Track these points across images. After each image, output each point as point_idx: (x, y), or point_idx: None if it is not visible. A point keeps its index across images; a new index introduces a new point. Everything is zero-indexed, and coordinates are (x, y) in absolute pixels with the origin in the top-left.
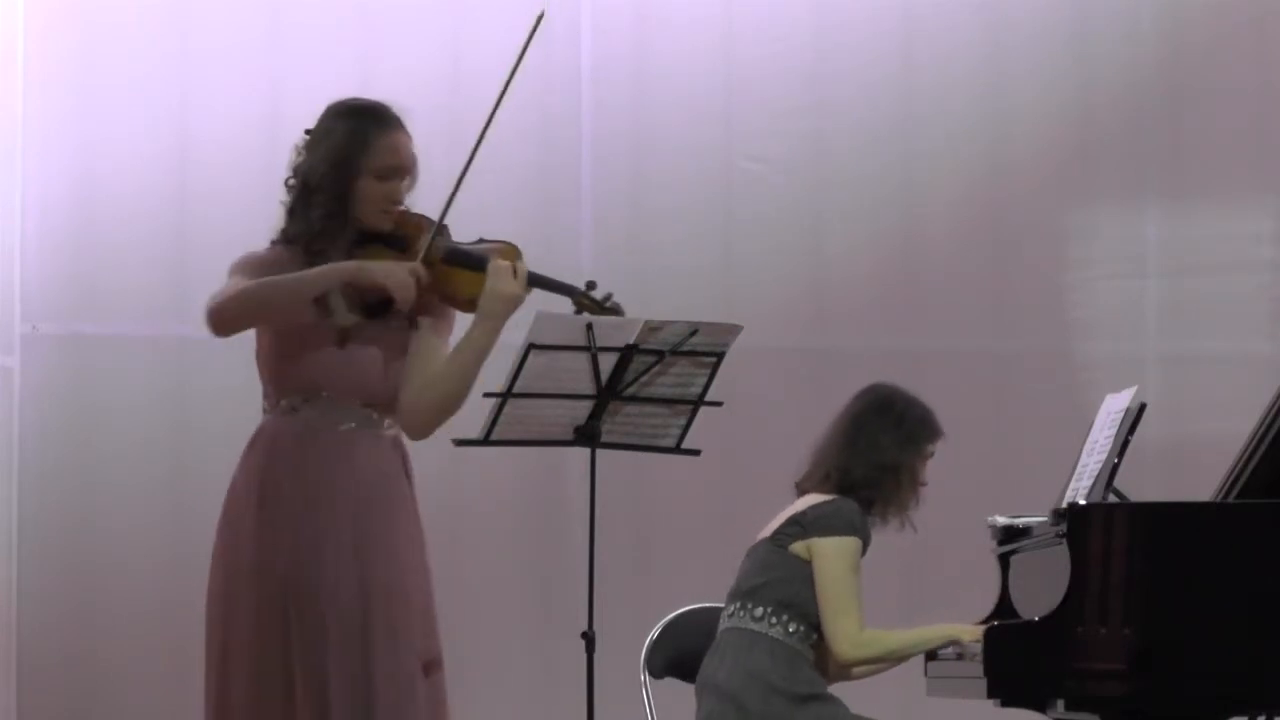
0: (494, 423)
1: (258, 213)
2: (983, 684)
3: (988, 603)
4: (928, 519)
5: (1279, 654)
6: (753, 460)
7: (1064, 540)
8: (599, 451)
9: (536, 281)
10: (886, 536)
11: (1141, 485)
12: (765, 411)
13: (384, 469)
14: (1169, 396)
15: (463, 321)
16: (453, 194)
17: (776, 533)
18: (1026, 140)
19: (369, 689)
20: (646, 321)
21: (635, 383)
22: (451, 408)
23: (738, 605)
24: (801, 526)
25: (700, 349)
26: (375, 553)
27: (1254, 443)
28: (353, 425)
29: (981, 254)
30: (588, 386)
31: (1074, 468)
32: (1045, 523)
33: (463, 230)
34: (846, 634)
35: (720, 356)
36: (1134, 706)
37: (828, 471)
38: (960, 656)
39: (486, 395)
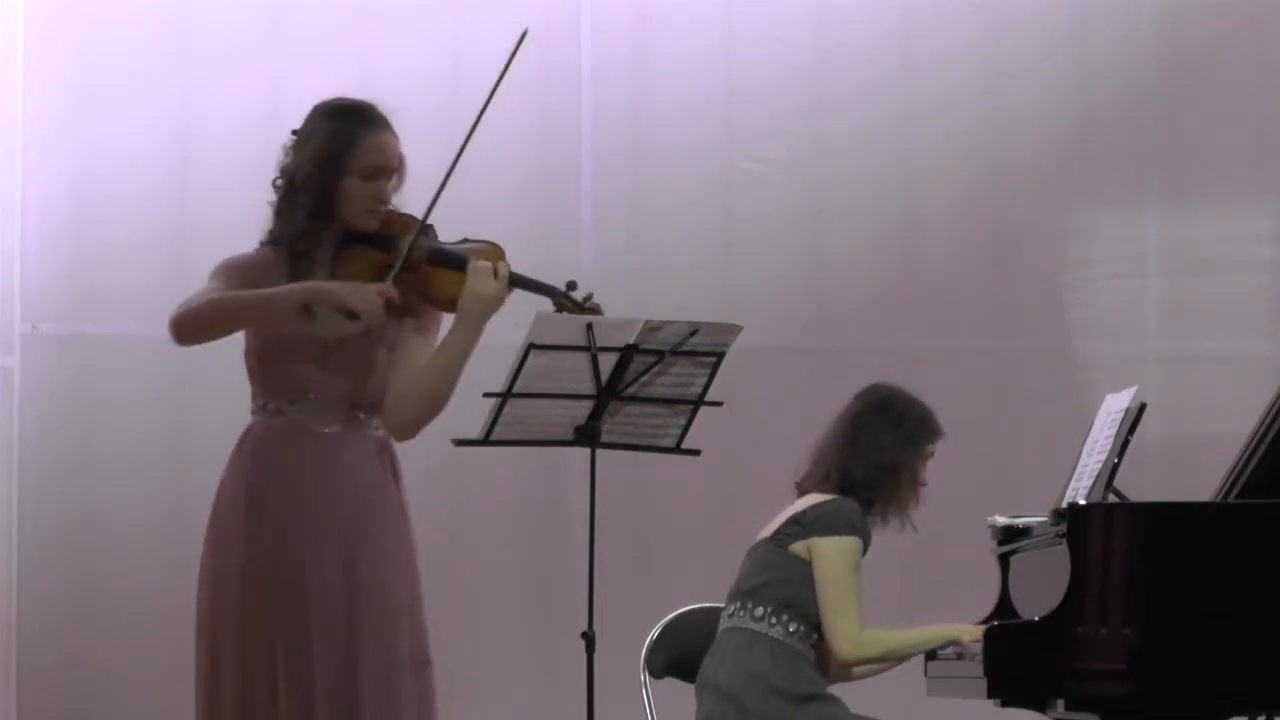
0: (494, 423)
1: (258, 213)
2: (983, 684)
3: (988, 603)
4: (928, 519)
5: (1279, 654)
6: (753, 460)
7: (1064, 540)
8: (599, 451)
9: (517, 282)
10: (886, 536)
11: (1141, 485)
12: (765, 411)
13: (370, 470)
14: (1169, 396)
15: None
16: (437, 194)
17: (777, 533)
18: (1026, 140)
19: (354, 689)
20: (646, 321)
21: (635, 383)
22: (433, 408)
23: (738, 605)
24: (802, 526)
25: (700, 349)
26: (362, 553)
27: (1254, 443)
28: (339, 427)
29: (981, 254)
30: (588, 386)
31: (1074, 468)
32: (1045, 523)
33: (460, 229)
34: (847, 634)
35: (720, 356)
36: (1134, 706)
37: (828, 471)
38: (960, 656)
39: (486, 395)
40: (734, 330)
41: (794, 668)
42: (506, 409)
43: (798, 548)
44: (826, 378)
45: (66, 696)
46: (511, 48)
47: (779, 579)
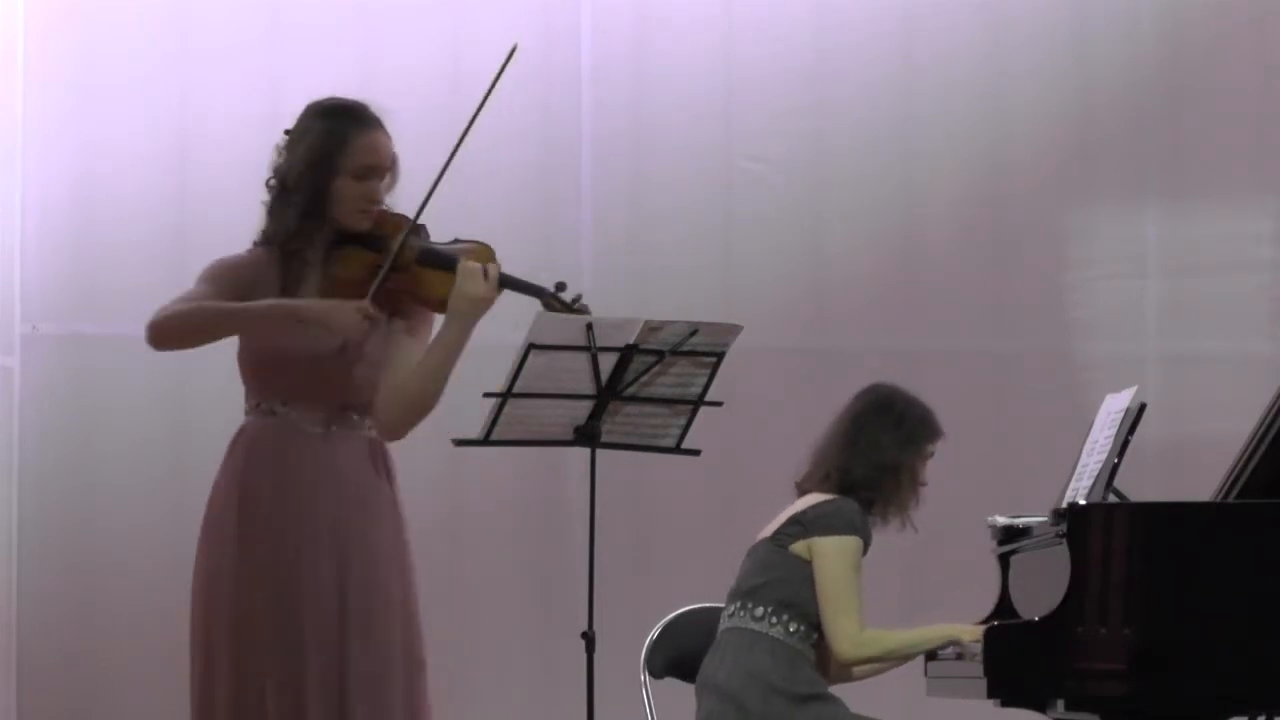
0: (494, 423)
1: (258, 213)
2: (983, 684)
3: (988, 603)
4: (928, 519)
5: (1279, 654)
6: (753, 460)
7: (1064, 540)
8: (599, 451)
9: (507, 283)
10: (886, 536)
11: (1141, 485)
12: (765, 411)
13: (363, 470)
14: (1169, 396)
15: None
16: (428, 195)
17: (777, 532)
18: (1026, 140)
19: (344, 689)
20: (646, 321)
21: (635, 383)
22: (422, 409)
23: (738, 605)
24: (802, 526)
25: (700, 349)
26: (354, 553)
27: (1254, 443)
28: (331, 427)
29: (981, 254)
30: (588, 386)
31: (1074, 468)
32: (1045, 523)
33: (461, 229)
34: (847, 633)
35: (720, 356)
36: (1134, 706)
37: (828, 471)
38: (960, 656)
39: (486, 395)
40: (734, 330)
41: (794, 668)
42: (506, 409)
43: (798, 547)
44: (826, 378)
45: (66, 696)
46: (501, 63)
47: (779, 579)
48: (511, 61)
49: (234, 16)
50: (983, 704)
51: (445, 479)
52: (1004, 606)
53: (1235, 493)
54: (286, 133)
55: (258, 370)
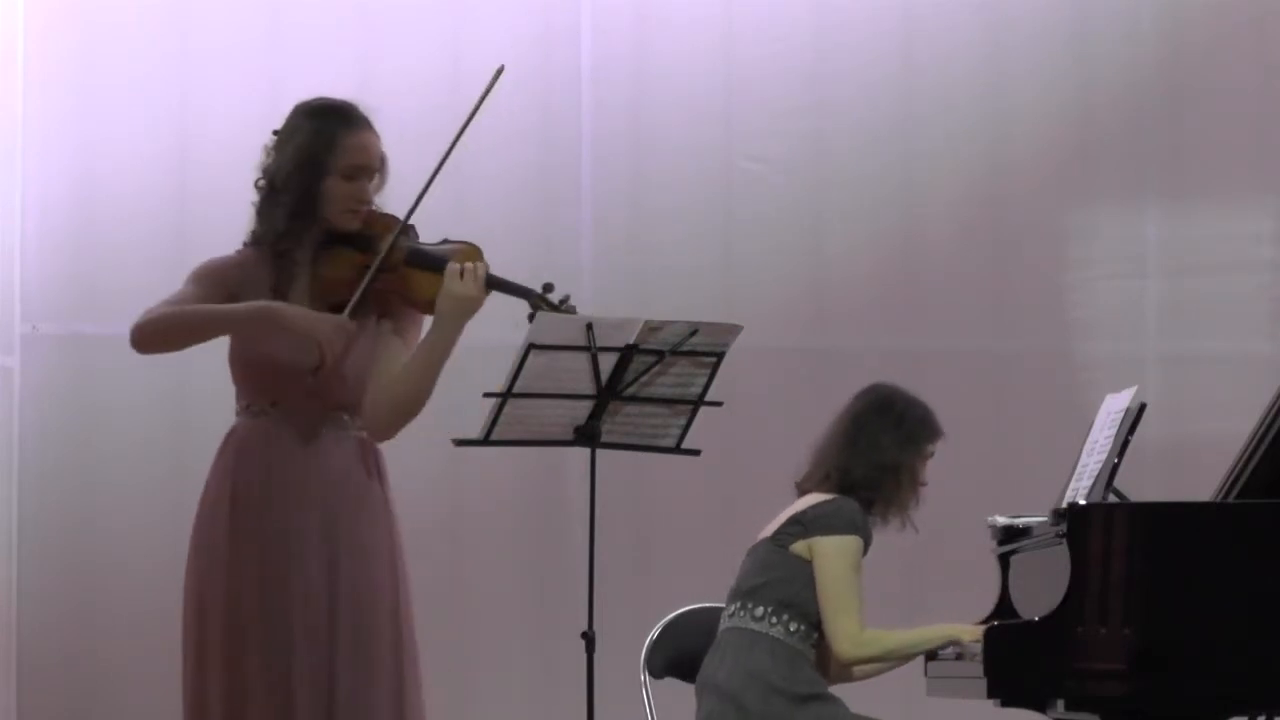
0: (494, 423)
1: None
2: (983, 684)
3: (988, 603)
4: (928, 519)
5: (1279, 654)
6: (753, 460)
7: (1064, 540)
8: (599, 451)
9: (494, 284)
10: (886, 536)
11: (1141, 485)
12: (765, 411)
13: (353, 470)
14: (1169, 396)
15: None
16: (419, 197)
17: (777, 532)
18: (1026, 140)
19: (333, 689)
20: (646, 321)
21: (635, 383)
22: (411, 409)
23: (738, 605)
24: (803, 526)
25: (700, 349)
26: (344, 554)
27: (1254, 443)
28: (321, 428)
29: (981, 254)
30: (588, 386)
31: (1074, 468)
32: (1045, 523)
33: (460, 229)
34: (847, 633)
35: (720, 356)
36: (1134, 706)
37: (828, 471)
38: (960, 656)
39: (486, 395)
40: (734, 330)
41: (794, 668)
42: (506, 409)
43: (798, 547)
44: (826, 378)
45: (66, 696)
46: (486, 83)
47: (779, 579)
48: (497, 84)
49: (234, 16)
50: (983, 704)
51: (445, 479)
52: (1004, 606)
53: (1235, 493)
54: (275, 133)
55: (247, 371)
